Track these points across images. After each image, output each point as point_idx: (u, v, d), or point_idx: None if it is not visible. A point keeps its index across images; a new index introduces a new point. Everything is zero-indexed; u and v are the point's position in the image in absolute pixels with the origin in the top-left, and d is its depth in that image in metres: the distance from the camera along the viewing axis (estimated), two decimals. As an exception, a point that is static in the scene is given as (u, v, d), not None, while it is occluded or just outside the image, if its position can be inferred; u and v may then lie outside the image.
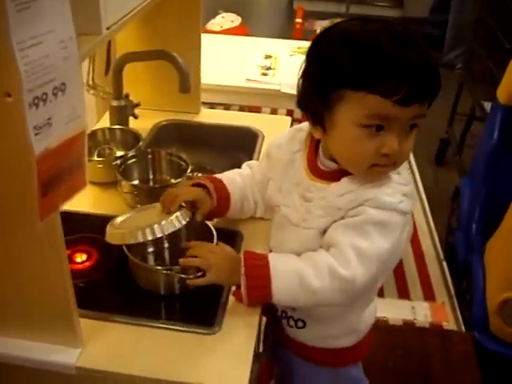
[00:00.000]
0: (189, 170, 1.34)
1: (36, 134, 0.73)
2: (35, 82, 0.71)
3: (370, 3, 5.41)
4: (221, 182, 1.21)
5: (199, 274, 1.03)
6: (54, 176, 0.79)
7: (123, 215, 1.17)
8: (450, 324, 2.18)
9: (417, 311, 2.22)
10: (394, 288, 2.34)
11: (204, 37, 2.76)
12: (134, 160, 1.35)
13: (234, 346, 1.00)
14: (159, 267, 1.09)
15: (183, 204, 1.13)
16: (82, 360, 0.95)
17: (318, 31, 1.07)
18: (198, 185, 1.19)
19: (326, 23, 3.13)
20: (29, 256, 0.88)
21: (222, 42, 2.67)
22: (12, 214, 0.83)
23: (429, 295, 2.32)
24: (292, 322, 1.15)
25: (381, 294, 2.29)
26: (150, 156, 1.39)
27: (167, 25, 1.59)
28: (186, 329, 1.02)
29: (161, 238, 1.08)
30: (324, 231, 1.03)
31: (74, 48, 0.76)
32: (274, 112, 2.94)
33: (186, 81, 1.42)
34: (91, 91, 1.48)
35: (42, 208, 0.79)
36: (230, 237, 1.23)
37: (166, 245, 1.20)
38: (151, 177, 1.41)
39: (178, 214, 1.09)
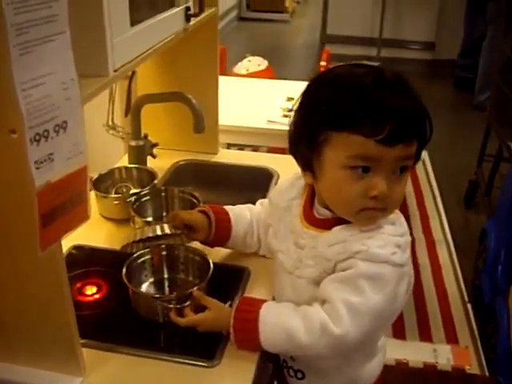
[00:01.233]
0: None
1: (37, 168, 0.78)
2: (36, 119, 0.76)
3: (402, 46, 5.48)
4: (226, 214, 1.24)
5: (187, 304, 1.08)
6: (55, 208, 0.84)
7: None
8: (472, 368, 2.13)
9: (439, 354, 2.17)
10: (415, 330, 2.31)
11: (230, 80, 2.88)
12: (147, 198, 1.40)
13: (232, 379, 1.02)
14: (155, 295, 1.16)
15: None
16: (84, 390, 0.98)
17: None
18: (203, 212, 1.23)
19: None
20: (32, 285, 0.92)
21: (248, 85, 2.75)
22: (16, 244, 0.88)
23: (452, 338, 2.27)
24: (292, 373, 1.15)
25: (402, 335, 2.26)
26: (163, 194, 1.44)
27: (186, 68, 1.67)
28: (186, 361, 1.04)
29: (161, 266, 1.22)
30: (315, 281, 1.02)
31: (75, 89, 0.82)
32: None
33: (201, 122, 1.47)
34: (111, 131, 1.55)
35: (42, 238, 0.83)
36: (237, 273, 1.26)
37: (166, 275, 1.24)
38: (164, 214, 1.45)
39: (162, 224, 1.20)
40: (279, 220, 1.13)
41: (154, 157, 1.64)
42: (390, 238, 0.98)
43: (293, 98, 2.41)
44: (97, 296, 1.20)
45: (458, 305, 2.47)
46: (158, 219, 1.44)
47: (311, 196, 1.08)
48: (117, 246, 1.33)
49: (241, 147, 2.66)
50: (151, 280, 1.23)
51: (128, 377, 1.02)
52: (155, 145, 1.63)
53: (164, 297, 1.15)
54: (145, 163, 1.60)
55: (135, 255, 1.20)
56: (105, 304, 1.19)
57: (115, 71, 1.00)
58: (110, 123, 1.54)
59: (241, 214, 1.26)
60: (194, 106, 1.46)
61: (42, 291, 0.92)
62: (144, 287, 1.22)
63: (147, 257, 1.22)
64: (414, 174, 3.57)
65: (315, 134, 0.96)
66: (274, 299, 1.14)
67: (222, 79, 2.82)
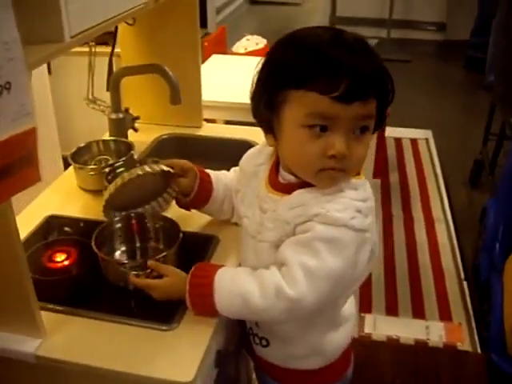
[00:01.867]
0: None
1: (-20, 128, 0.79)
2: (-23, 79, 0.77)
3: (412, 27, 5.41)
4: (208, 175, 1.25)
5: (148, 271, 1.09)
6: (2, 168, 0.85)
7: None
8: (464, 345, 2.11)
9: (431, 331, 2.16)
10: (409, 307, 2.30)
11: (228, 58, 2.88)
12: (122, 169, 1.40)
13: (189, 342, 1.02)
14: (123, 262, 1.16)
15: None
16: (43, 350, 1.00)
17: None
18: None
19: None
20: None
21: (245, 63, 2.74)
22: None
23: (445, 315, 2.26)
24: (257, 340, 1.15)
25: (395, 312, 2.26)
26: (138, 165, 1.43)
27: (167, 42, 1.67)
28: (145, 325, 1.05)
29: (132, 235, 1.22)
30: (276, 245, 1.02)
31: (18, 50, 0.82)
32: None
33: (177, 93, 1.48)
34: (91, 105, 1.56)
35: (-11, 198, 0.84)
36: (206, 241, 1.26)
37: (138, 244, 1.26)
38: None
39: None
40: (246, 185, 1.13)
41: (135, 130, 1.66)
42: (350, 203, 0.97)
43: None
44: (66, 263, 1.22)
45: (454, 283, 2.46)
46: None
47: (277, 161, 1.08)
48: (91, 216, 1.35)
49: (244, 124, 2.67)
50: (123, 249, 1.25)
51: (88, 339, 1.03)
52: (136, 118, 1.64)
53: (129, 263, 1.16)
54: (125, 136, 1.61)
55: (105, 224, 1.21)
56: (73, 270, 1.20)
57: (72, 37, 1.00)
58: (91, 97, 1.55)
59: (220, 177, 1.26)
60: (170, 77, 1.46)
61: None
62: (116, 255, 1.23)
63: (118, 225, 1.23)
64: (417, 153, 3.54)
65: (274, 94, 0.95)
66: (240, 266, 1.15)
67: (220, 58, 2.85)
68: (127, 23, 1.59)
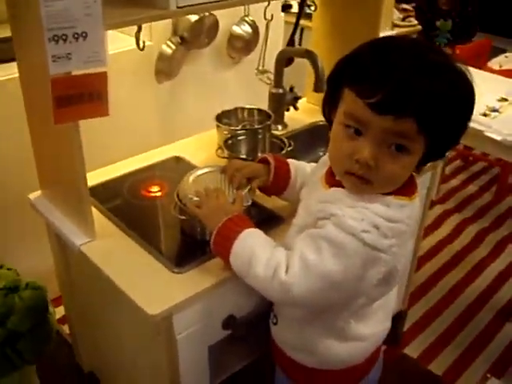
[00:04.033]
0: (284, 152, 1.49)
1: (54, 61, 1.04)
2: (55, 24, 1.01)
3: None
4: (287, 164, 1.31)
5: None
6: (71, 96, 1.09)
7: (196, 171, 1.35)
8: None
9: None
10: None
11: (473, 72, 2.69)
12: (243, 137, 1.56)
13: (182, 288, 1.15)
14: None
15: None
16: (85, 247, 1.25)
17: None
18: (265, 160, 1.31)
19: None
20: (60, 149, 1.24)
21: (489, 82, 2.56)
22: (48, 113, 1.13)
23: None
24: (271, 316, 1.22)
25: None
26: (260, 136, 1.56)
27: (349, 30, 1.74)
28: (165, 262, 1.22)
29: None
30: (300, 231, 1.07)
31: (96, 8, 1.03)
32: None
33: (320, 80, 1.54)
34: (259, 76, 1.73)
35: (56, 115, 1.10)
36: (270, 218, 1.35)
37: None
38: (258, 153, 1.56)
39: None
40: (316, 172, 1.18)
41: (295, 108, 1.78)
42: (370, 216, 0.97)
43: (506, 99, 2.21)
44: (157, 193, 1.46)
45: None
46: (249, 156, 1.57)
47: None
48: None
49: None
50: None
51: (122, 256, 1.24)
52: (298, 98, 1.76)
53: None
54: (282, 112, 1.75)
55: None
56: (156, 202, 1.43)
57: (179, 8, 1.18)
58: (261, 67, 1.72)
59: (301, 167, 1.32)
60: (317, 64, 1.53)
61: (62, 154, 1.24)
62: None
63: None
64: None
65: (335, 89, 0.99)
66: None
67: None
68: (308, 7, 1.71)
